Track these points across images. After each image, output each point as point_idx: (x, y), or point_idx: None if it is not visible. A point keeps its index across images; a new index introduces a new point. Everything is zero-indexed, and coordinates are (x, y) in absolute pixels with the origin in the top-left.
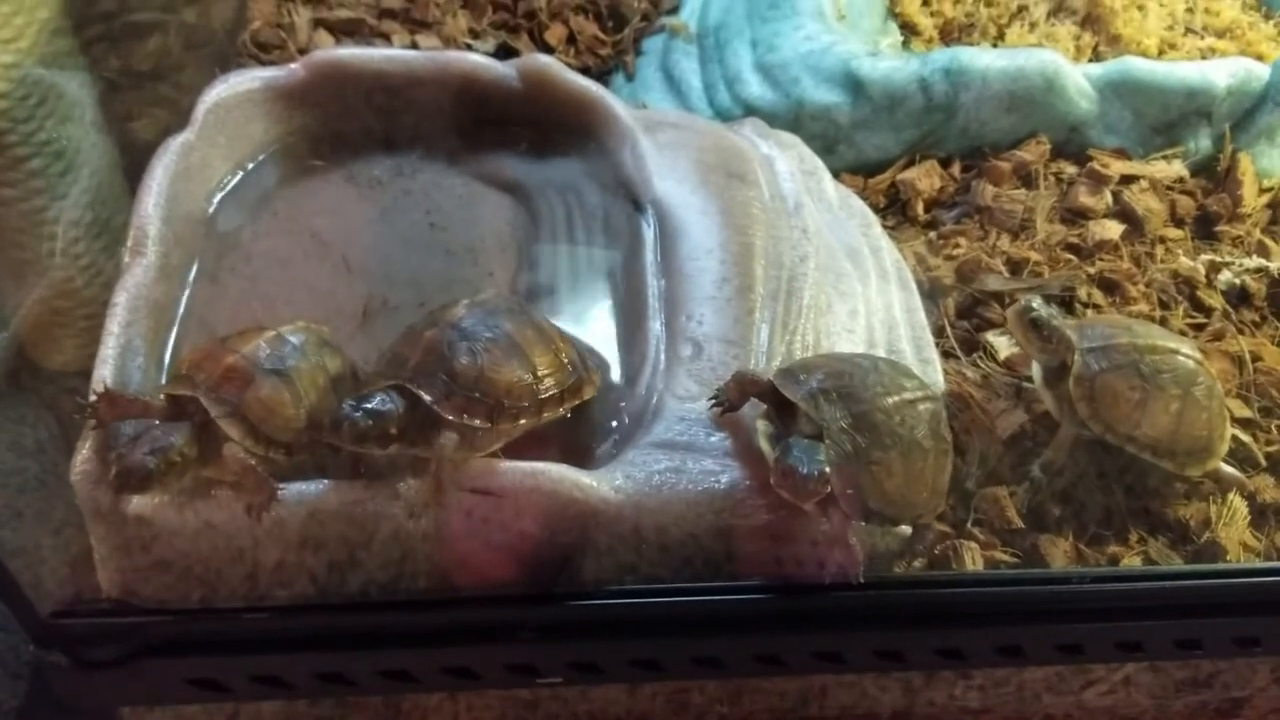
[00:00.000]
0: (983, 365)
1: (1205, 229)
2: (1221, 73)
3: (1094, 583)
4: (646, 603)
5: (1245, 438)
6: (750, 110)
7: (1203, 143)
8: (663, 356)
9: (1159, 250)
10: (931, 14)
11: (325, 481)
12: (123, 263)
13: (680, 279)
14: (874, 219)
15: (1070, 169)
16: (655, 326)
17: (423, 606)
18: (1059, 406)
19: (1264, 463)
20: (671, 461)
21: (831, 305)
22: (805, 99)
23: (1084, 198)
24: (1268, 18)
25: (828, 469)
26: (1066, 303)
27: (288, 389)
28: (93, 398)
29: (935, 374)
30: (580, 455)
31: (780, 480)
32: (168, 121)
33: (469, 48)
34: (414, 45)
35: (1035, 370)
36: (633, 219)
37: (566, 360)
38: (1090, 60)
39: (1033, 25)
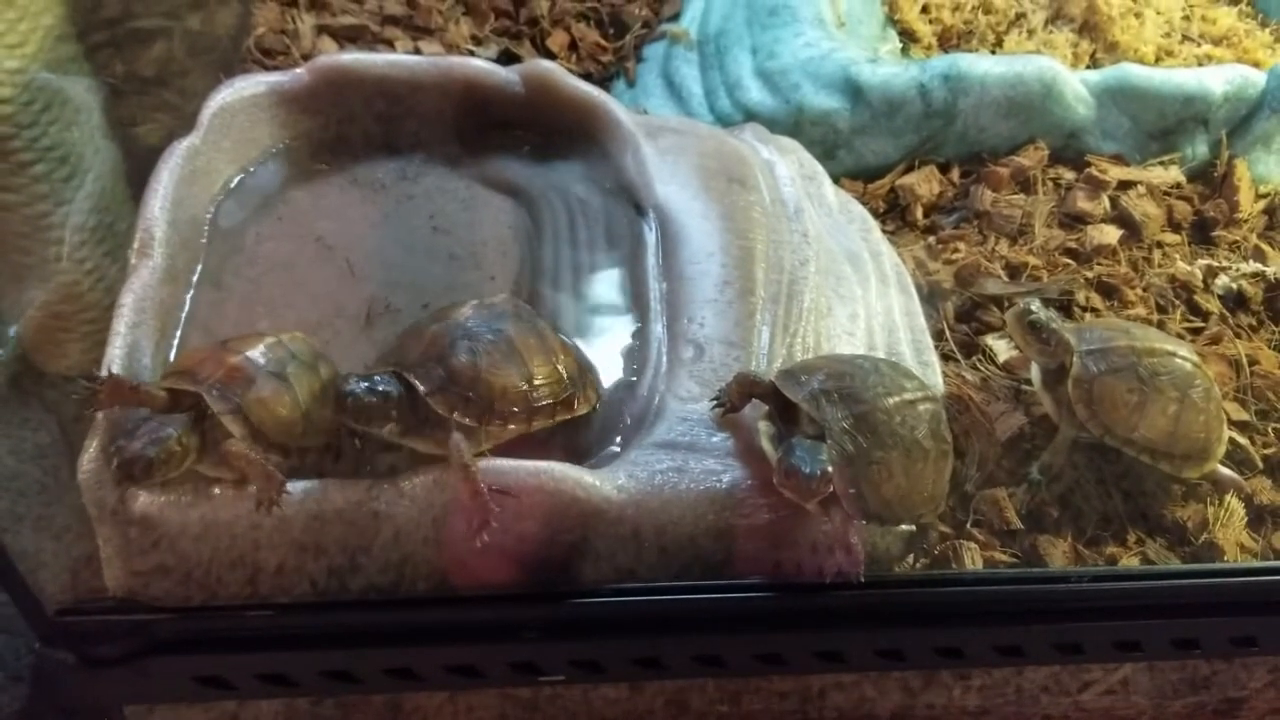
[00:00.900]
0: (982, 368)
1: (1202, 234)
2: (1218, 79)
3: (1092, 582)
4: (648, 601)
5: (1242, 440)
6: (751, 116)
7: (1199, 149)
8: (664, 358)
9: (1156, 255)
10: (930, 21)
11: (328, 480)
12: (129, 265)
13: (682, 282)
14: (874, 223)
15: (1068, 174)
16: (657, 329)
17: (426, 605)
18: (1058, 409)
19: (1261, 465)
20: (674, 461)
21: (832, 308)
22: (805, 105)
23: (1082, 203)
24: (1264, 25)
25: (830, 469)
26: (1065, 307)
27: (288, 393)
28: (89, 385)
29: (935, 377)
30: (581, 456)
31: (783, 480)
32: (171, 127)
33: (471, 54)
34: (417, 51)
35: (1034, 373)
36: (634, 223)
37: (565, 372)
38: (1088, 67)
39: (1031, 32)
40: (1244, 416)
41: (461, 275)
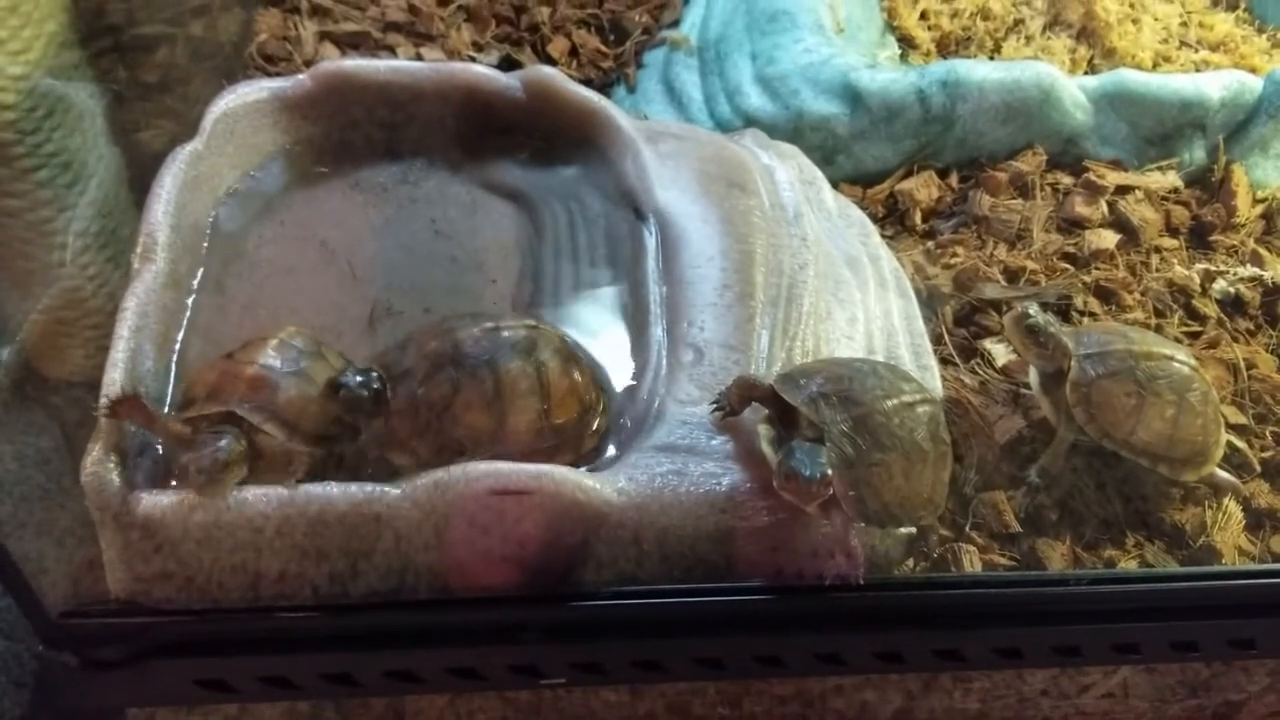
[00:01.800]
0: (980, 372)
1: (1200, 239)
2: (1215, 85)
3: (1091, 585)
4: (649, 603)
5: (1240, 443)
6: (750, 121)
7: (1197, 154)
8: (664, 362)
9: (1154, 259)
10: (929, 27)
11: (330, 485)
12: (131, 270)
13: (682, 286)
14: (872, 228)
15: (1066, 180)
16: (657, 332)
17: (428, 607)
18: (1056, 412)
19: (1258, 468)
20: (674, 464)
21: (831, 312)
22: (804, 110)
23: (1080, 208)
24: (1261, 31)
25: (830, 471)
26: (1063, 311)
27: (311, 386)
28: (109, 399)
29: (934, 380)
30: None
31: (783, 483)
32: (174, 132)
33: (473, 60)
34: (418, 57)
35: (1032, 377)
36: (635, 227)
37: (554, 421)
38: (1086, 73)
39: (1029, 38)
40: (1242, 420)
41: (463, 279)
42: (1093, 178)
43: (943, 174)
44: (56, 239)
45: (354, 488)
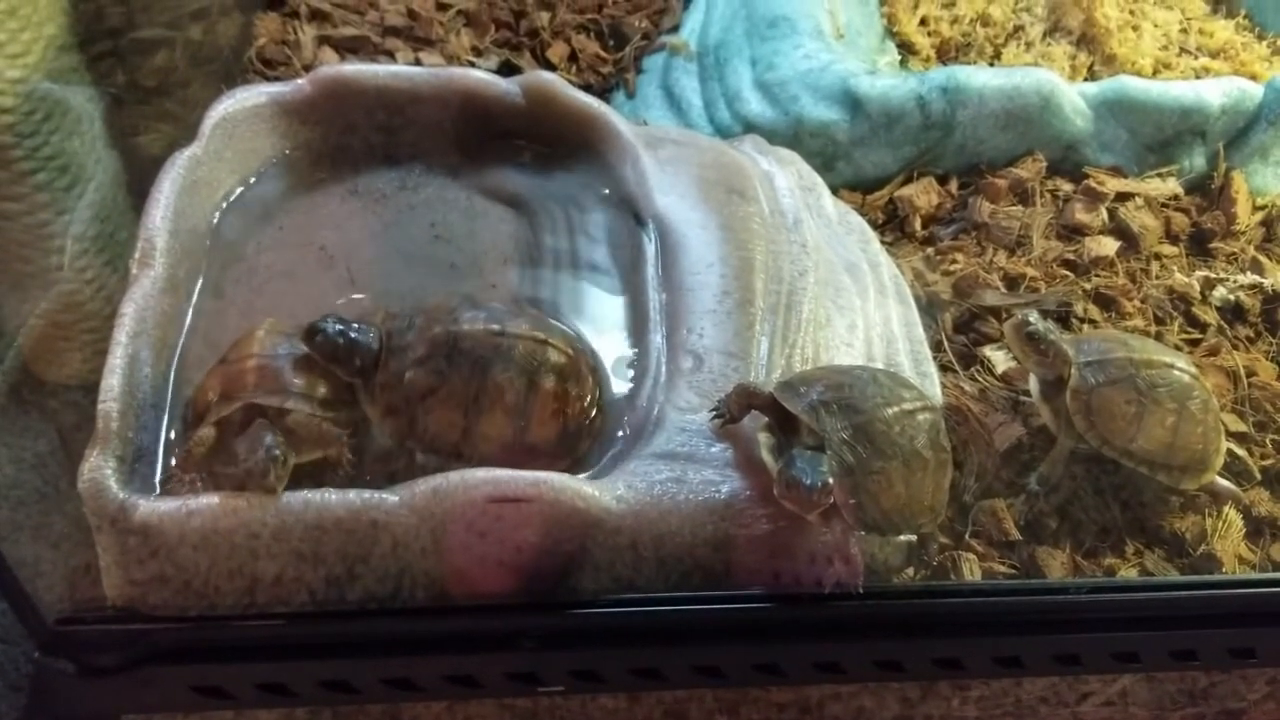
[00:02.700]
0: (980, 379)
1: (1200, 246)
2: (1215, 92)
3: (1091, 594)
4: (648, 611)
5: (1240, 451)
6: (750, 127)
7: (1197, 161)
8: (664, 369)
9: (1154, 266)
10: (929, 33)
11: (327, 490)
12: (130, 275)
13: (681, 293)
14: (872, 235)
15: (1066, 186)
16: (656, 339)
17: (426, 615)
18: (1056, 420)
19: (1258, 476)
20: (673, 472)
21: (830, 319)
22: (804, 116)
23: (1080, 214)
24: (1261, 38)
25: (831, 480)
26: (1063, 318)
27: (317, 361)
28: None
29: (933, 387)
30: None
31: (784, 492)
32: (173, 136)
33: (472, 65)
34: (417, 62)
35: (1032, 384)
36: (634, 233)
37: (528, 440)
38: (1086, 79)
39: (1029, 45)
40: (1242, 428)
41: (462, 284)
42: (1093, 184)
43: (942, 180)
44: (54, 242)
45: (352, 494)
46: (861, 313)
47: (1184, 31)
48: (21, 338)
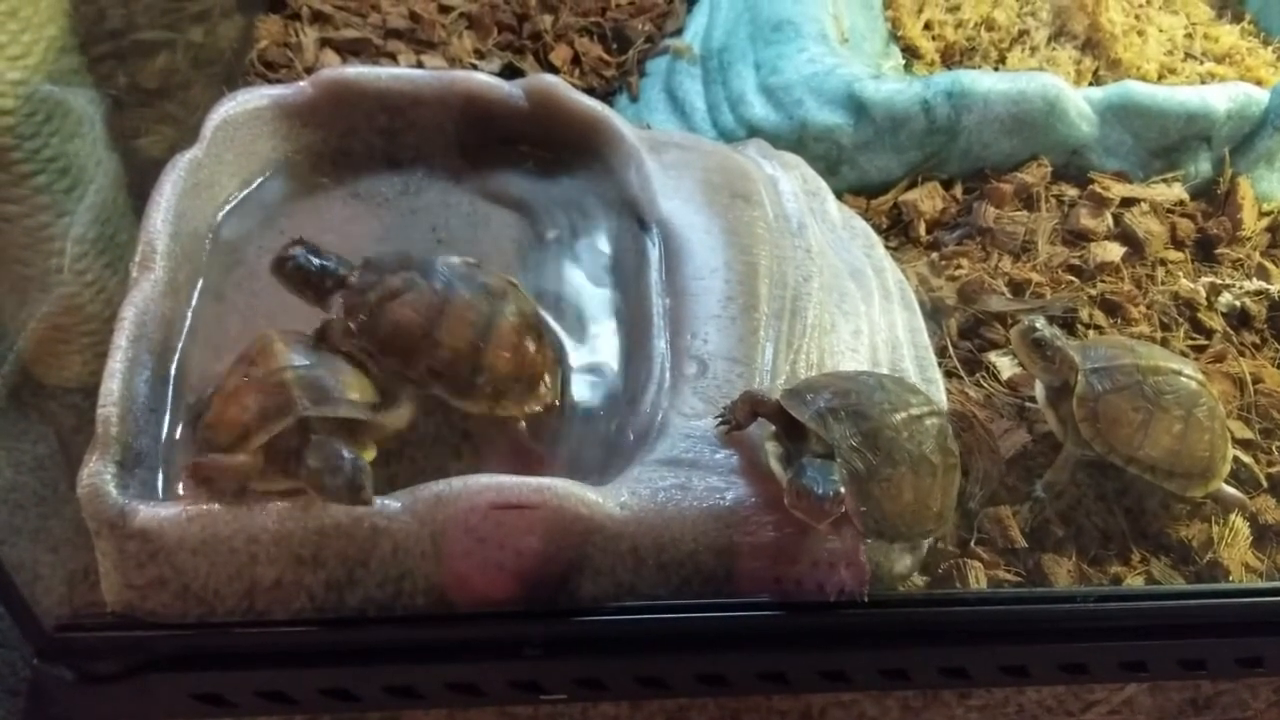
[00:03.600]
0: (985, 385)
1: (1205, 252)
2: (1221, 97)
3: (1097, 602)
4: (652, 619)
5: (1246, 459)
6: (754, 131)
7: (1202, 166)
8: (668, 375)
9: (1160, 272)
10: (933, 37)
11: None
12: (130, 278)
13: (685, 298)
14: (877, 239)
15: (1071, 191)
16: (660, 345)
17: (427, 622)
18: (1062, 427)
19: (1265, 484)
20: (677, 478)
21: (835, 324)
22: (808, 120)
23: (1085, 220)
24: (1267, 43)
25: (843, 489)
26: (1068, 324)
27: (338, 359)
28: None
29: (938, 393)
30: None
31: (795, 501)
32: (174, 139)
33: (474, 68)
34: (420, 65)
35: (1038, 390)
36: (638, 238)
37: (485, 362)
38: (1091, 84)
39: (1034, 49)
40: (1248, 435)
41: None
42: (1098, 190)
43: (947, 185)
44: (54, 245)
45: None
46: (866, 318)
47: (1189, 36)
48: (21, 340)
